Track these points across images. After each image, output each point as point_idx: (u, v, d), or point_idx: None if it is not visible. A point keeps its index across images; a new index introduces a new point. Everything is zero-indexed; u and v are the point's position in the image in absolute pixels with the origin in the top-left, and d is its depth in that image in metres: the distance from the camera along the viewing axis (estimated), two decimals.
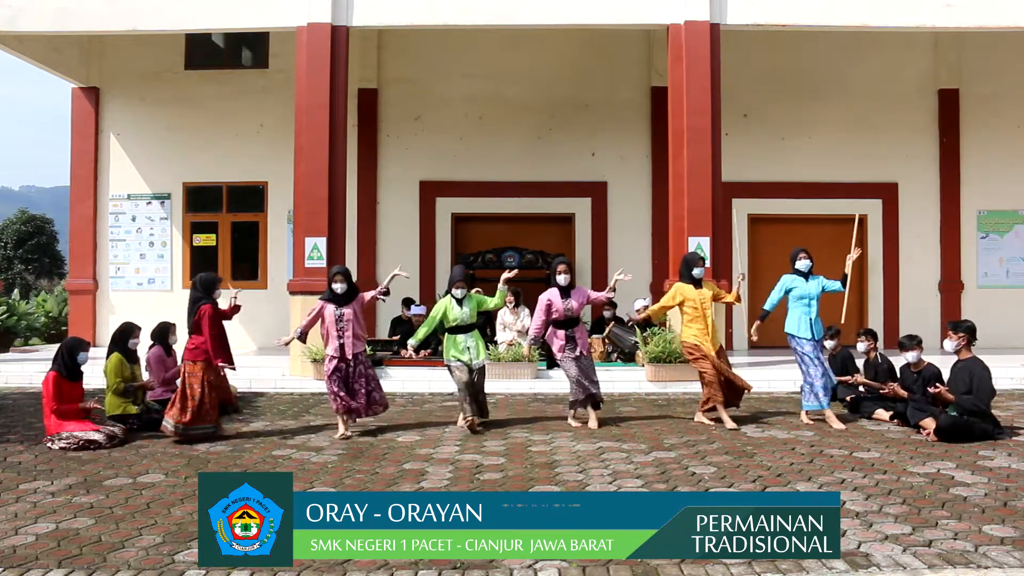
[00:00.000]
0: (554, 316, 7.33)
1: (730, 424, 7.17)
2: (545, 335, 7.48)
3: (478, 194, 13.06)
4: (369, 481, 5.50)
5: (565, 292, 7.30)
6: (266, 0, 10.29)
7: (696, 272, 7.43)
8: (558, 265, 7.36)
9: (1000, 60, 12.82)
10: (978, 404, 6.52)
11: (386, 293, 7.49)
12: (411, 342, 7.30)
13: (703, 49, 9.94)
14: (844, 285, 7.39)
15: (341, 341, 7.08)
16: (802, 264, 7.41)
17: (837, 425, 7.15)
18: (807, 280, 7.38)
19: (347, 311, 7.12)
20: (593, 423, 7.22)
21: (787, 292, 7.42)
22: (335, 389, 7.06)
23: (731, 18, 10.05)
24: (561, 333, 7.32)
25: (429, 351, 10.00)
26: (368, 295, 7.38)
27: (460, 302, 7.25)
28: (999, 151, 12.92)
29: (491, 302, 7.44)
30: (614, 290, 7.53)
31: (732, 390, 7.42)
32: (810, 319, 7.31)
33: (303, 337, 7.54)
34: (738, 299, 7.68)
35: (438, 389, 9.32)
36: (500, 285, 7.36)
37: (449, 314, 7.22)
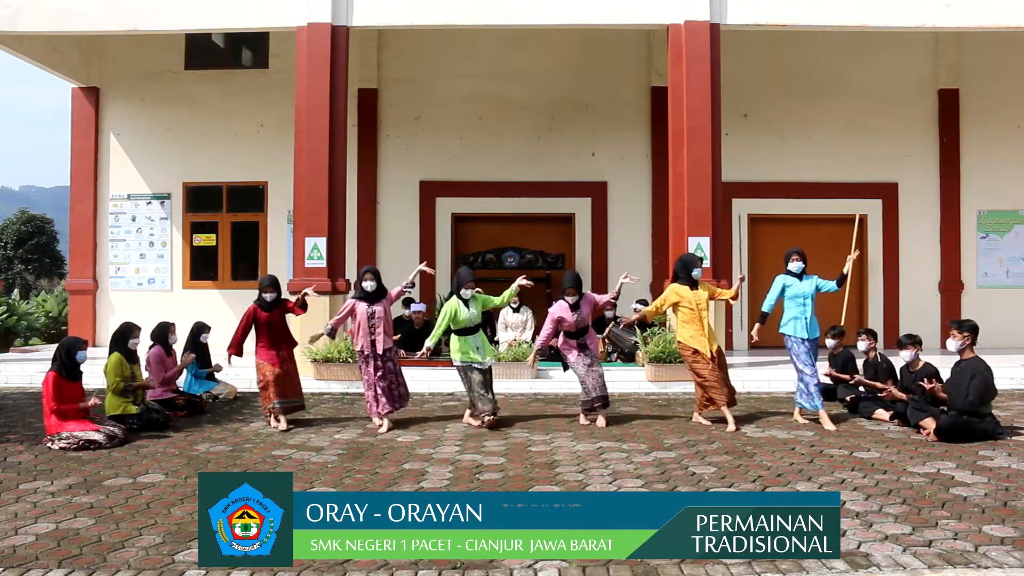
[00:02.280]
0: (566, 328, 7.43)
1: (732, 426, 7.15)
2: (559, 344, 7.54)
3: (478, 194, 13.06)
4: (369, 481, 5.50)
5: (574, 306, 7.39)
6: (266, 0, 10.30)
7: (695, 273, 7.40)
8: (568, 287, 7.41)
9: (1000, 60, 12.81)
10: (973, 403, 6.50)
11: (411, 285, 7.64)
12: (428, 343, 7.36)
13: (703, 49, 9.94)
14: (840, 284, 7.39)
15: (373, 338, 7.32)
16: (794, 266, 7.44)
17: (829, 426, 7.16)
18: (800, 280, 7.39)
19: (378, 308, 7.37)
20: (601, 422, 7.34)
21: (782, 292, 7.44)
22: (376, 392, 7.31)
23: (731, 18, 10.05)
24: (574, 342, 7.45)
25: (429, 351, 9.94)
26: (395, 290, 7.54)
27: (467, 303, 7.32)
28: (999, 151, 12.91)
29: (496, 300, 7.55)
30: (618, 294, 7.60)
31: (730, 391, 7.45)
32: (805, 319, 7.33)
33: (332, 333, 7.64)
34: (735, 296, 7.69)
35: (438, 389, 9.33)
36: (514, 285, 7.40)
37: (459, 315, 7.29)
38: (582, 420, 7.49)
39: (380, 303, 7.39)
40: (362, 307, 7.35)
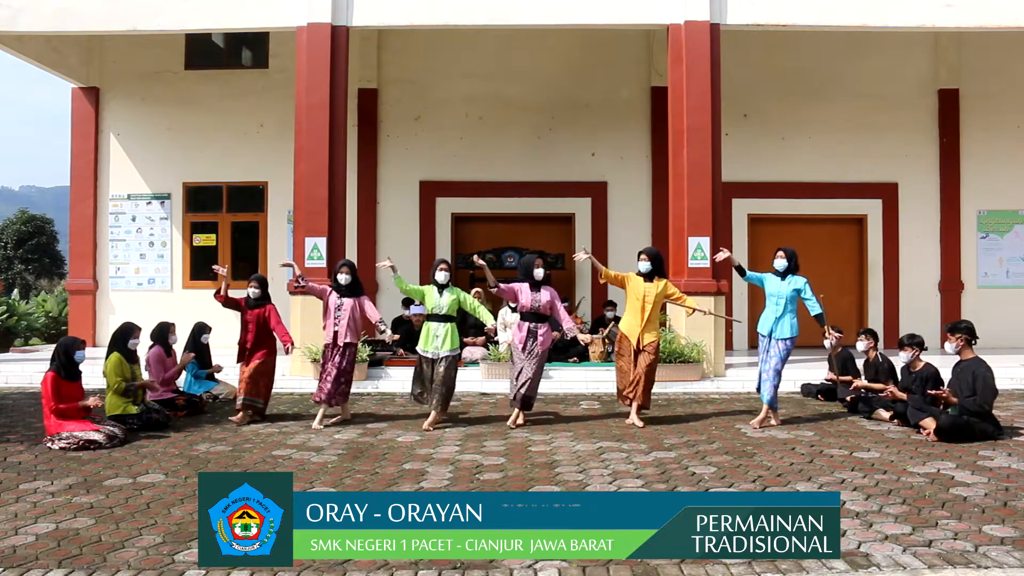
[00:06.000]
0: (521, 308, 7.41)
1: (638, 422, 7.22)
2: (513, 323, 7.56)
3: (478, 194, 13.07)
4: (369, 481, 5.50)
5: (536, 286, 7.35)
6: (266, 0, 10.30)
7: (641, 266, 7.42)
8: (535, 259, 7.42)
9: (1000, 60, 12.82)
10: (982, 405, 6.53)
11: (383, 331, 7.57)
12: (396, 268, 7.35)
13: (703, 49, 9.94)
14: (820, 321, 7.36)
15: (335, 328, 7.47)
16: (777, 263, 7.41)
17: (770, 421, 7.26)
18: (782, 279, 7.36)
19: (346, 302, 7.49)
20: (510, 422, 7.32)
21: (762, 285, 7.48)
22: (322, 380, 7.51)
23: (731, 18, 10.05)
24: (524, 325, 7.36)
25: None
26: (372, 313, 7.51)
27: (440, 290, 7.33)
28: (999, 151, 12.92)
29: (472, 309, 7.42)
30: (581, 329, 7.59)
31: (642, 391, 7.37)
32: (775, 317, 7.31)
33: (301, 280, 7.76)
34: (691, 312, 7.95)
35: None
36: (471, 296, 7.52)
37: (428, 300, 7.37)
38: (509, 424, 7.31)
39: (351, 298, 7.49)
40: (333, 297, 7.52)
